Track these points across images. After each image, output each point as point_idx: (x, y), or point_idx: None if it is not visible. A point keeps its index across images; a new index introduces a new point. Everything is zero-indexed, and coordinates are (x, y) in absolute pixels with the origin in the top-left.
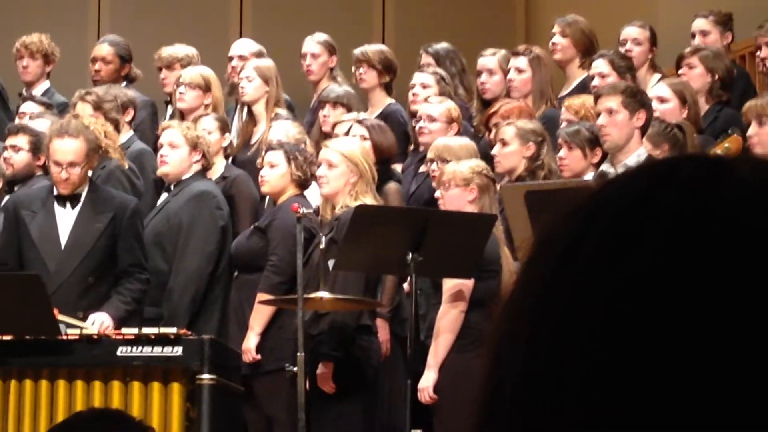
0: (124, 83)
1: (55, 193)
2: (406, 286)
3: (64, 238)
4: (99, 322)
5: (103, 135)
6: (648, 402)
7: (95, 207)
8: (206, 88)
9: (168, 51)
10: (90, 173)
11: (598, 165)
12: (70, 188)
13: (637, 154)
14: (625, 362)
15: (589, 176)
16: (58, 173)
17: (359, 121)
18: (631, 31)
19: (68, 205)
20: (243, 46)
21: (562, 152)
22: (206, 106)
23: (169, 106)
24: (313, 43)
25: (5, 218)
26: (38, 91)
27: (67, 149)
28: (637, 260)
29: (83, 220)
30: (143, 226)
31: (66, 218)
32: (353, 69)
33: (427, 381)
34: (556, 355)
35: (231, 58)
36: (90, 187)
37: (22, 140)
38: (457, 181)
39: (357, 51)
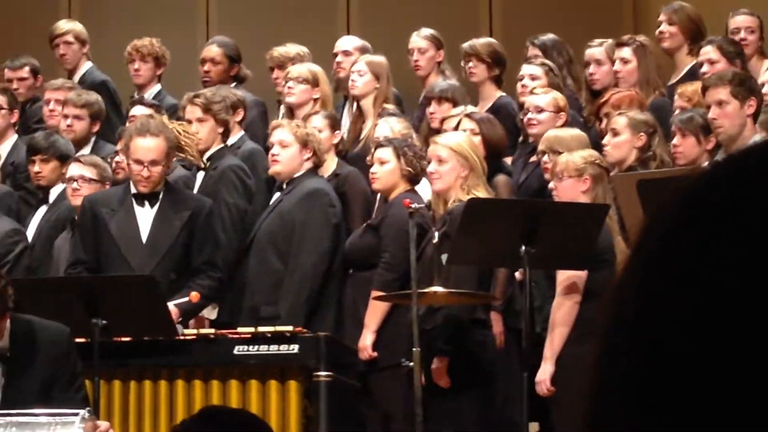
0: (234, 84)
1: (133, 191)
2: (518, 274)
3: (144, 235)
4: None
5: (183, 135)
6: (747, 386)
7: (173, 206)
8: (314, 82)
9: (279, 50)
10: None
11: (712, 152)
12: (150, 186)
13: (752, 141)
14: (733, 348)
15: (704, 164)
16: (140, 171)
17: (468, 115)
18: (743, 19)
19: (146, 203)
20: (348, 42)
21: (676, 139)
22: (315, 100)
23: (282, 106)
24: (420, 39)
25: (81, 217)
26: (150, 94)
27: (148, 147)
28: (748, 243)
29: (162, 217)
30: (221, 223)
31: (145, 216)
32: (462, 63)
33: (544, 373)
34: (662, 340)
35: (336, 54)
36: (166, 186)
37: None
38: (570, 172)
39: (465, 45)
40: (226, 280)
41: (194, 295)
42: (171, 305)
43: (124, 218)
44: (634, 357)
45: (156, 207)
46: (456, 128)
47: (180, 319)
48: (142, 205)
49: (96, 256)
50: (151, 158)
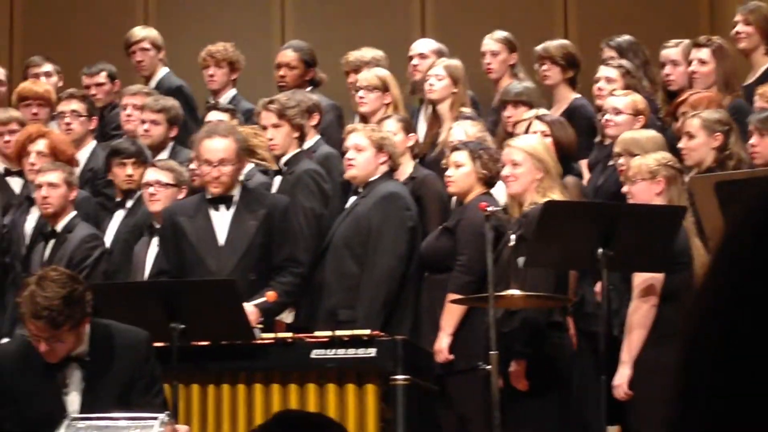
0: (310, 88)
1: (208, 196)
2: (597, 288)
3: (221, 238)
4: None
5: (252, 137)
6: None
7: (248, 206)
8: (384, 88)
9: (355, 55)
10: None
11: None
12: (221, 187)
13: None
14: None
15: None
16: (209, 172)
17: (539, 117)
18: None
19: (222, 207)
20: (424, 44)
21: (754, 139)
22: (387, 105)
23: (357, 114)
24: (493, 41)
25: (162, 228)
26: (225, 99)
27: (216, 147)
28: None
29: (238, 219)
30: (299, 223)
31: (221, 219)
32: (536, 66)
33: (622, 377)
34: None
35: (411, 57)
36: (242, 188)
37: None
38: (643, 175)
39: (539, 48)
40: (308, 274)
41: (270, 294)
42: (250, 305)
43: (201, 223)
44: (722, 361)
45: (232, 209)
46: (527, 131)
47: (261, 319)
48: (217, 209)
49: (178, 264)
50: (219, 158)
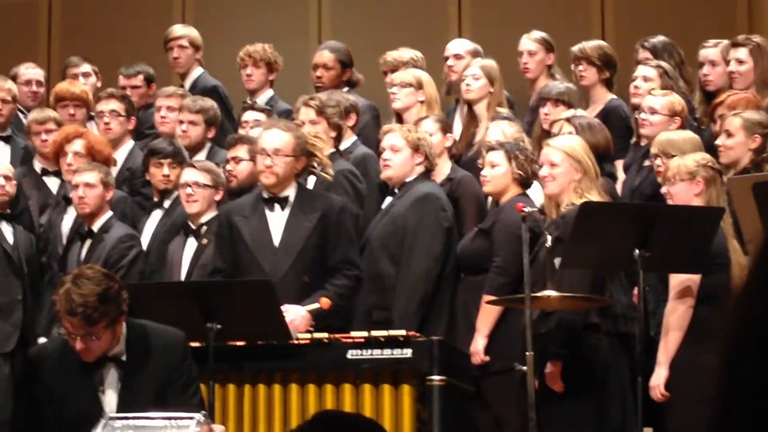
0: (346, 88)
1: (264, 196)
2: (635, 297)
3: (276, 239)
4: (291, 317)
5: (312, 138)
6: None
7: (304, 207)
8: (418, 85)
9: (393, 55)
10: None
11: None
12: (272, 178)
13: None
14: None
15: None
16: (263, 161)
17: (569, 119)
18: None
19: (277, 207)
20: (459, 45)
21: None
22: (421, 103)
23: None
24: (530, 41)
25: (219, 227)
26: (262, 99)
27: (272, 138)
28: None
29: (293, 220)
30: (360, 228)
31: (277, 220)
32: (572, 66)
33: (658, 378)
34: None
35: (447, 58)
36: (298, 188)
37: (241, 151)
38: (682, 176)
39: (575, 48)
40: (363, 277)
41: (324, 302)
42: (303, 310)
43: (257, 224)
44: (765, 362)
45: (287, 210)
46: (558, 131)
47: (313, 324)
48: (273, 209)
49: (233, 264)
50: (274, 147)
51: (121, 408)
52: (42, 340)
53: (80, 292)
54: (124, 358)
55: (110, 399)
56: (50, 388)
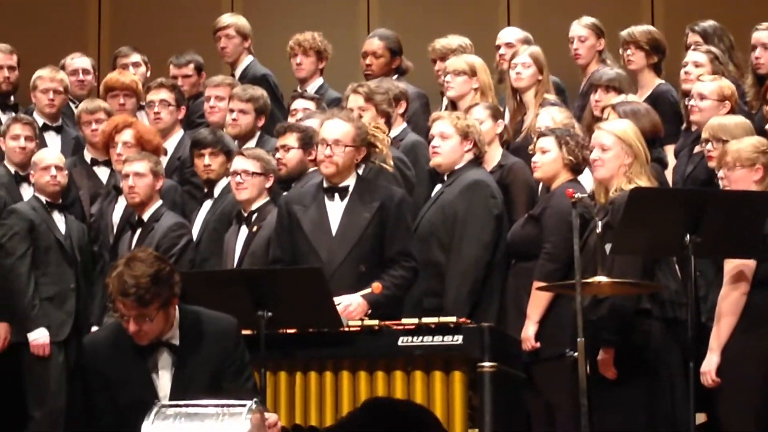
0: (396, 76)
1: (325, 185)
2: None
3: (334, 228)
4: (346, 305)
5: (373, 130)
6: None
7: (363, 197)
8: (471, 73)
9: (441, 42)
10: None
11: None
12: (332, 167)
13: None
14: None
15: None
16: (323, 151)
17: (614, 107)
18: None
19: (337, 197)
20: (510, 33)
21: None
22: (475, 90)
23: (445, 98)
24: (580, 27)
25: (279, 216)
26: (312, 87)
27: (333, 128)
28: None
29: (352, 210)
30: (412, 216)
31: (335, 209)
32: (620, 51)
33: (710, 364)
34: None
35: (498, 47)
36: (357, 179)
37: (291, 139)
38: (741, 162)
39: (624, 32)
40: (420, 269)
41: (376, 286)
42: (358, 297)
43: (316, 213)
44: None
45: (346, 200)
46: (606, 117)
47: (369, 311)
48: (332, 198)
49: (292, 252)
50: (334, 137)
51: (174, 393)
52: (95, 328)
53: (133, 273)
54: (177, 342)
55: (164, 384)
56: (105, 374)
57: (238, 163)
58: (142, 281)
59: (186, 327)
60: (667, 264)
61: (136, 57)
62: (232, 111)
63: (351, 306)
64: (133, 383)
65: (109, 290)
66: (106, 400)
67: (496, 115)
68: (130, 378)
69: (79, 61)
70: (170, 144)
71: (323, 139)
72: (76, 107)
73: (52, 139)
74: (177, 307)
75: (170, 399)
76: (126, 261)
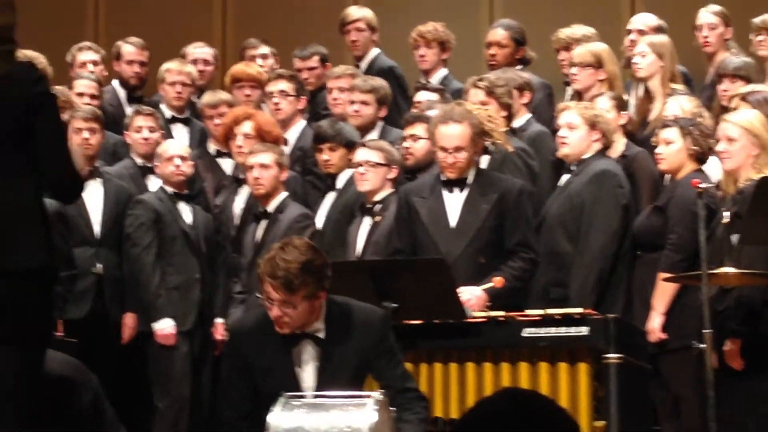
0: (520, 66)
1: (442, 178)
2: None
3: (453, 220)
4: (466, 297)
5: (486, 120)
6: None
7: (482, 189)
8: (598, 64)
9: (565, 32)
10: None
11: None
12: (456, 172)
13: None
14: None
15: None
16: (445, 158)
17: (744, 98)
18: None
19: (456, 189)
20: (642, 20)
21: None
22: (601, 81)
23: (569, 88)
24: (710, 15)
25: (398, 207)
26: (436, 78)
27: (451, 134)
28: None
29: (471, 202)
30: (534, 207)
31: (454, 201)
32: (752, 36)
33: None
34: None
35: (629, 32)
36: (477, 171)
37: (419, 129)
38: None
39: (757, 19)
40: (539, 260)
41: (498, 280)
42: (479, 290)
43: (434, 205)
44: None
45: (465, 192)
46: (735, 107)
47: (488, 304)
48: (451, 191)
49: (412, 244)
50: (455, 145)
51: (319, 385)
52: (219, 320)
53: (285, 257)
54: (322, 336)
55: (308, 376)
56: (249, 359)
57: (361, 154)
58: (292, 266)
59: (333, 319)
60: None
61: (264, 49)
62: (353, 102)
63: (471, 300)
64: (277, 373)
65: (259, 271)
66: (248, 386)
67: (620, 105)
68: (273, 367)
69: (200, 51)
70: (291, 134)
71: (443, 147)
72: (198, 98)
73: (180, 131)
74: (325, 302)
75: (315, 392)
76: (281, 245)
